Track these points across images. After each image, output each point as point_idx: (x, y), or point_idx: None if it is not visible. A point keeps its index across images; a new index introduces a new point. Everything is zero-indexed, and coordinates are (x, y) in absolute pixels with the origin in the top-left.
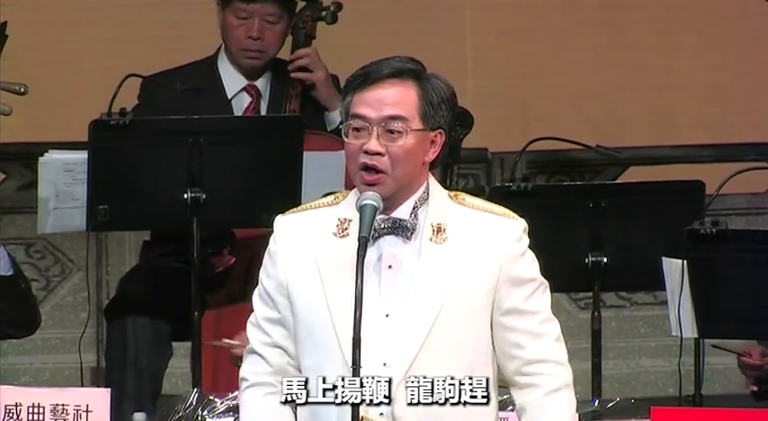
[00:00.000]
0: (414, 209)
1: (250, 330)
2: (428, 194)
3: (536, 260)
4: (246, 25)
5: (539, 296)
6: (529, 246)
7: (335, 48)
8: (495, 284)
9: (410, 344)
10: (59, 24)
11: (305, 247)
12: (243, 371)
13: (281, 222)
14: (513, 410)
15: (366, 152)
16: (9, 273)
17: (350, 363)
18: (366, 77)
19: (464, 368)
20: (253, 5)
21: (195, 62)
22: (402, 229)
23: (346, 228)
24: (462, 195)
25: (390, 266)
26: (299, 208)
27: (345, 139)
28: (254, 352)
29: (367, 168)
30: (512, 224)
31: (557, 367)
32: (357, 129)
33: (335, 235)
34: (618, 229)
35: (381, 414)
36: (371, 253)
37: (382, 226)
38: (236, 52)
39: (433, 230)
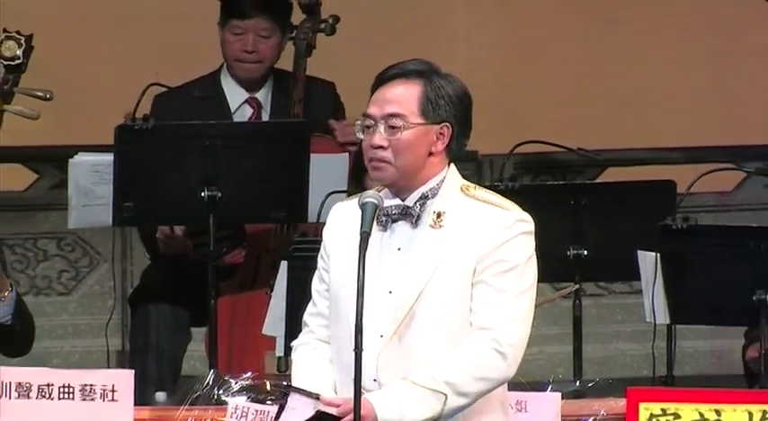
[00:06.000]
0: (422, 198)
1: None
2: (440, 186)
3: (527, 249)
4: (242, 40)
5: (512, 277)
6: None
7: (336, 58)
8: (477, 266)
9: (398, 316)
10: (84, 37)
11: (347, 230)
12: (294, 342)
13: (336, 207)
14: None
15: (372, 146)
16: (7, 321)
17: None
18: (378, 79)
19: (450, 338)
20: (247, 22)
21: (201, 77)
22: (408, 216)
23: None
24: (474, 189)
25: (399, 249)
26: (354, 195)
27: (360, 136)
28: (304, 321)
29: (372, 160)
30: (504, 214)
31: (499, 335)
32: (367, 127)
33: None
34: (597, 225)
35: (375, 380)
36: (387, 236)
37: (394, 212)
38: (234, 64)
39: (434, 218)
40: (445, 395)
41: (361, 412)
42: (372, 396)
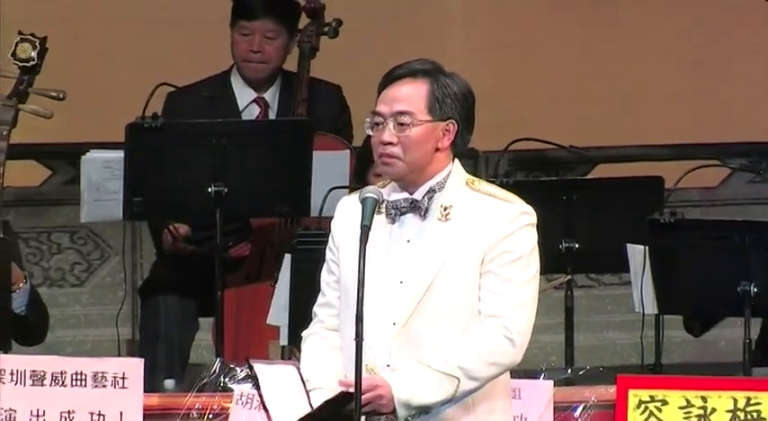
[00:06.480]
0: (429, 192)
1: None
2: (447, 180)
3: (530, 240)
4: (248, 41)
5: (518, 267)
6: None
7: (338, 60)
8: (485, 257)
9: (409, 305)
10: (96, 40)
11: (355, 223)
12: (304, 332)
13: (342, 201)
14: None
15: (382, 143)
16: (21, 312)
17: (371, 322)
18: (386, 78)
19: (459, 326)
20: (253, 23)
21: (212, 77)
22: (417, 209)
23: (380, 209)
24: (479, 183)
25: (409, 240)
26: (358, 190)
27: (369, 133)
28: (314, 312)
29: (382, 156)
30: (509, 207)
31: (508, 322)
32: (376, 124)
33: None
34: (588, 219)
35: (388, 365)
36: (396, 228)
37: (403, 205)
38: (241, 64)
39: (441, 211)
40: (458, 379)
41: (379, 391)
42: (390, 376)
